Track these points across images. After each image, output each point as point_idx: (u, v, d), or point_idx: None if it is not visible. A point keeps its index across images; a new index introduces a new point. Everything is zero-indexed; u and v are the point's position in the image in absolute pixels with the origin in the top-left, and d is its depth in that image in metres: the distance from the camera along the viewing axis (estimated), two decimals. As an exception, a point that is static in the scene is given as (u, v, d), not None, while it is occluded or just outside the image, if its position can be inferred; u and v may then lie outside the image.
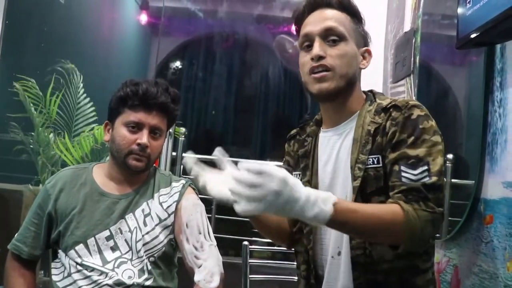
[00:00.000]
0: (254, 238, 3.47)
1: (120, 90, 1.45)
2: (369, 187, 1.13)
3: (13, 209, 2.92)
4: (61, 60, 3.52)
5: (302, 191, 0.91)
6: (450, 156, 1.49)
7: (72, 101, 3.44)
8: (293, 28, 1.34)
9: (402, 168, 1.07)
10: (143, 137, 1.42)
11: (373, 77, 2.60)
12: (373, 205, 1.08)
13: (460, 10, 1.24)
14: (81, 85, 3.52)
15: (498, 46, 1.27)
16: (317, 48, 1.18)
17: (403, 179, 1.06)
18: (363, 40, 1.26)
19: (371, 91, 1.28)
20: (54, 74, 3.40)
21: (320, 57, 1.17)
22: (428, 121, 1.11)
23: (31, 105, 3.13)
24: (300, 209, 0.91)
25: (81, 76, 3.55)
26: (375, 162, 1.13)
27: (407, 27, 2.31)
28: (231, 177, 0.91)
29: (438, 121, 1.13)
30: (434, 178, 1.05)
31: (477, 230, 1.30)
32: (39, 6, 3.73)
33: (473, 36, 1.17)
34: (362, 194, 1.13)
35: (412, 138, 1.09)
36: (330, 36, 1.19)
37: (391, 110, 1.16)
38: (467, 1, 1.19)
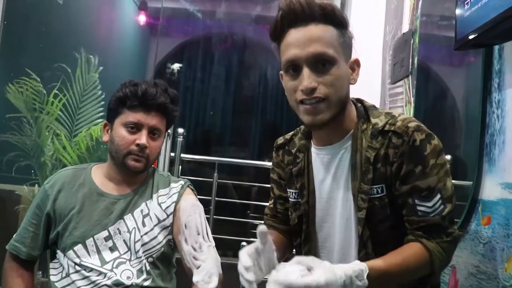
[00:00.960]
0: (252, 239, 3.47)
1: (119, 90, 1.45)
2: (376, 216, 1.12)
3: (11, 209, 2.92)
4: (74, 53, 3.50)
5: (338, 279, 0.90)
6: (448, 157, 1.49)
7: (75, 101, 3.42)
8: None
9: (416, 201, 1.08)
10: (142, 138, 1.42)
11: (371, 78, 2.60)
12: (399, 253, 1.05)
13: (458, 12, 1.24)
14: (96, 80, 3.48)
15: (496, 47, 1.27)
16: (307, 80, 1.07)
17: (419, 213, 1.07)
18: (350, 49, 1.16)
19: (361, 101, 1.22)
20: (55, 73, 3.39)
21: (312, 90, 1.07)
22: (430, 142, 1.08)
23: (36, 104, 3.12)
24: None
25: (97, 66, 3.50)
26: (379, 192, 1.11)
27: (405, 28, 2.32)
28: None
29: (436, 122, 1.13)
30: (448, 206, 1.07)
31: (475, 231, 1.31)
32: (37, 6, 3.72)
33: (471, 37, 1.17)
34: (368, 223, 1.12)
35: (420, 168, 1.07)
36: (319, 62, 1.07)
37: (390, 135, 1.11)
38: (465, 3, 1.20)
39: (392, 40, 2.52)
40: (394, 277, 1.02)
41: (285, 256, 1.30)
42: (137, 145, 1.41)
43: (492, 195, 1.24)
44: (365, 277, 0.94)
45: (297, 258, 0.94)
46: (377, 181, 1.11)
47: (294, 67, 1.10)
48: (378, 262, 1.00)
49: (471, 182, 1.33)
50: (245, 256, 0.99)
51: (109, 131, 1.48)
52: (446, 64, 1.97)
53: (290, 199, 1.29)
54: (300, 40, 1.08)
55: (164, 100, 1.44)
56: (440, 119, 1.15)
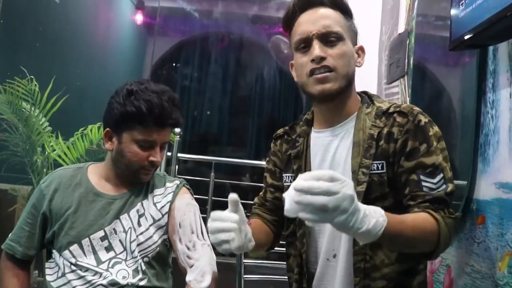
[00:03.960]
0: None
1: (129, 105, 1.36)
2: (373, 192, 1.14)
3: (7, 208, 2.91)
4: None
5: (355, 197, 0.86)
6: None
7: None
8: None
9: (421, 177, 1.09)
10: (157, 155, 1.42)
11: (368, 78, 2.61)
12: (409, 215, 1.05)
13: (453, 12, 1.25)
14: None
15: (491, 48, 1.27)
16: (318, 49, 1.15)
17: (424, 189, 1.09)
18: (355, 36, 1.25)
19: (365, 92, 1.28)
20: (51, 73, 3.37)
21: (322, 58, 1.15)
22: (433, 127, 1.13)
23: (28, 103, 3.08)
24: (360, 220, 0.86)
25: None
26: (379, 168, 1.14)
27: (401, 28, 2.32)
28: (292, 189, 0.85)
29: (432, 122, 1.14)
30: (450, 186, 1.09)
31: (469, 231, 1.31)
32: (34, 6, 3.72)
33: (466, 37, 1.18)
34: (366, 199, 1.12)
35: (425, 146, 1.11)
36: (328, 36, 1.17)
37: (395, 115, 1.16)
38: (460, 3, 1.20)
39: (388, 40, 2.53)
40: (409, 232, 0.99)
41: (262, 242, 1.29)
42: (151, 161, 1.41)
43: (486, 195, 1.24)
44: (383, 214, 0.91)
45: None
46: (379, 157, 1.14)
47: (305, 44, 1.19)
48: (392, 214, 0.97)
49: (466, 182, 1.33)
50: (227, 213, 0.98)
51: (115, 141, 1.43)
52: (441, 64, 1.97)
53: (285, 183, 1.30)
54: (311, 18, 1.19)
55: (177, 116, 1.42)
56: (436, 119, 1.16)
